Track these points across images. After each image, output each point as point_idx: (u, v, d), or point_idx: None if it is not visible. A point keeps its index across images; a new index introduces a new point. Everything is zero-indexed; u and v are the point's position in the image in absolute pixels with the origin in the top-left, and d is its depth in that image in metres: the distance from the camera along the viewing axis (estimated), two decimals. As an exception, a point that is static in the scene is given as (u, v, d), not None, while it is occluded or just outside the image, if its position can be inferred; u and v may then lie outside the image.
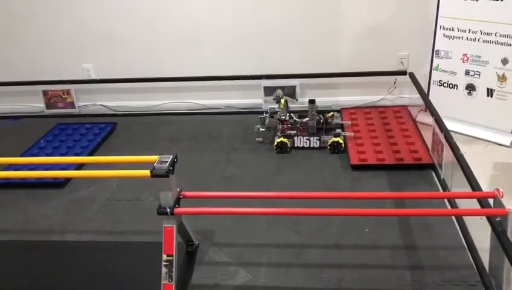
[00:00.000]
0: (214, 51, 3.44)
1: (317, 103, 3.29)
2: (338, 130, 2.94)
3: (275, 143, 2.90)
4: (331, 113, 3.08)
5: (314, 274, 1.96)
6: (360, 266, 1.99)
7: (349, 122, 3.12)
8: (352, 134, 2.97)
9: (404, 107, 3.33)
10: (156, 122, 3.48)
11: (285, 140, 2.90)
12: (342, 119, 3.15)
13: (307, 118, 2.97)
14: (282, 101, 3.03)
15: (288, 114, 3.03)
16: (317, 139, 2.92)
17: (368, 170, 2.68)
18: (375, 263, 2.00)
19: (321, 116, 2.98)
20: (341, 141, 2.84)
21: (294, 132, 2.96)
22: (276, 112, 3.03)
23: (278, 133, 2.97)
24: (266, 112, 3.04)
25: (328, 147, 2.87)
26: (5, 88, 3.71)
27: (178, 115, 3.59)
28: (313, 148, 2.93)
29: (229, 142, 3.11)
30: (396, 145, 2.84)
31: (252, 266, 2.03)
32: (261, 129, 3.02)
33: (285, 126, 3.00)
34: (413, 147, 2.79)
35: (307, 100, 3.45)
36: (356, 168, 2.69)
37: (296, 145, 2.95)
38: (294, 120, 3.01)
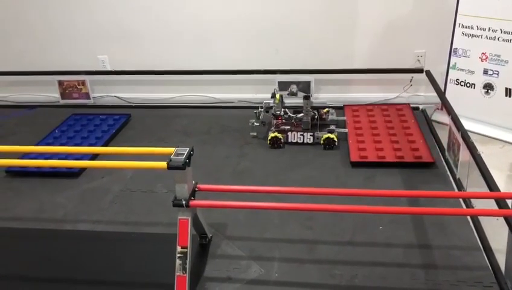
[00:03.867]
0: (228, 44, 3.43)
1: (331, 99, 3.31)
2: (332, 126, 2.93)
3: (269, 138, 2.90)
4: (327, 109, 3.08)
5: (327, 270, 1.96)
6: (373, 263, 1.98)
7: (344, 119, 3.12)
8: (347, 130, 2.96)
9: (407, 105, 3.30)
10: (170, 115, 3.49)
11: (279, 135, 2.90)
12: (344, 116, 3.15)
13: (302, 114, 2.96)
14: (277, 96, 3.03)
15: (283, 109, 3.02)
16: (310, 135, 2.92)
17: (369, 167, 2.67)
18: (388, 260, 1.99)
19: (315, 112, 2.98)
20: (334, 137, 2.83)
21: (288, 127, 2.96)
22: (271, 107, 3.02)
23: (272, 128, 2.97)
24: (261, 107, 3.04)
25: (322, 143, 2.86)
26: (21, 78, 3.75)
27: (191, 108, 3.59)
28: (307, 143, 2.93)
29: (242, 136, 3.11)
30: (397, 143, 2.83)
31: (264, 260, 2.03)
32: (255, 124, 3.02)
33: (280, 121, 3.00)
34: (414, 145, 2.78)
35: (322, 96, 3.47)
36: (356, 165, 2.68)
37: (289, 141, 2.95)
38: (289, 115, 3.01)
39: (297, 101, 3.27)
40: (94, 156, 2.82)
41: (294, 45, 3.36)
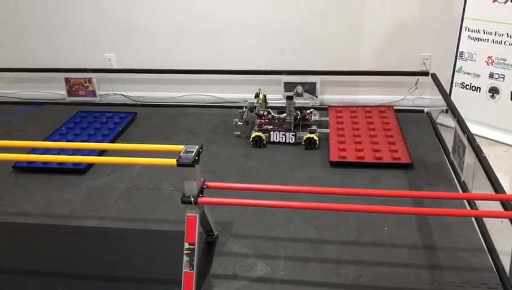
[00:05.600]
0: (235, 44, 3.45)
1: (337, 100, 3.31)
2: (314, 127, 2.97)
3: (251, 137, 2.94)
4: (310, 110, 3.11)
5: (333, 269, 1.97)
6: (378, 263, 2.00)
7: (327, 119, 3.15)
8: (328, 130, 3.00)
9: (390, 107, 3.33)
10: (176, 114, 3.50)
11: (261, 134, 2.94)
12: (327, 116, 3.20)
13: (285, 114, 2.99)
14: (261, 96, 3.06)
15: (266, 109, 3.06)
16: (292, 135, 2.96)
17: (348, 167, 2.70)
18: (394, 261, 2.01)
19: (298, 113, 3.02)
20: (315, 138, 2.87)
21: (271, 126, 3.00)
22: (255, 107, 3.05)
23: (255, 128, 3.01)
24: (246, 107, 3.07)
25: (303, 143, 2.90)
26: (28, 74, 3.76)
27: (197, 107, 3.61)
28: (289, 143, 2.97)
29: (248, 135, 3.12)
30: (377, 144, 2.86)
31: (270, 258, 2.05)
32: (239, 123, 3.05)
33: (263, 121, 3.04)
34: (394, 147, 2.81)
35: (327, 97, 3.49)
36: (335, 164, 2.72)
37: (272, 140, 2.99)
38: (272, 115, 3.04)
39: (302, 101, 3.31)
40: (101, 153, 2.84)
41: (301, 46, 3.37)
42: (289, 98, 2.97)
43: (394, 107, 3.39)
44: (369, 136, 2.95)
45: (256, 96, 3.07)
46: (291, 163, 2.79)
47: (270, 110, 3.07)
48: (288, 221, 2.27)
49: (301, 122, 3.01)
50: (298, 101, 3.33)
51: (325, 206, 1.98)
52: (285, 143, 2.98)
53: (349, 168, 2.70)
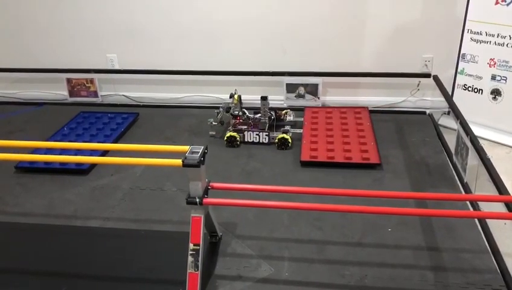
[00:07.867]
0: (237, 45, 3.45)
1: (339, 102, 3.31)
2: (287, 127, 3.00)
3: (225, 137, 2.97)
4: (285, 111, 3.14)
5: (337, 271, 1.97)
6: (383, 264, 2.00)
7: (301, 120, 3.17)
8: (301, 131, 3.02)
9: (365, 108, 3.34)
10: (177, 115, 3.50)
11: (235, 134, 2.97)
12: (303, 117, 3.22)
13: (259, 114, 3.02)
14: (236, 96, 3.07)
15: (241, 110, 3.08)
16: (266, 135, 2.98)
17: (319, 167, 2.73)
18: (398, 262, 2.01)
19: (272, 113, 3.04)
20: (287, 137, 2.90)
21: (245, 127, 3.02)
22: (230, 107, 3.07)
23: (230, 128, 3.04)
24: (222, 107, 3.09)
25: (276, 143, 2.93)
26: (30, 75, 3.76)
27: (199, 108, 3.61)
28: (262, 143, 3.00)
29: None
30: (348, 144, 2.89)
31: (274, 259, 2.05)
32: (213, 123, 3.07)
33: (238, 121, 3.06)
34: (364, 147, 2.84)
35: (328, 98, 3.49)
36: (306, 164, 2.75)
37: (246, 140, 3.02)
38: (247, 116, 3.06)
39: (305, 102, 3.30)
40: (104, 153, 2.83)
41: (303, 48, 3.38)
42: (263, 98, 2.99)
43: (395, 109, 3.41)
44: (341, 137, 2.98)
45: (231, 96, 3.09)
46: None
47: (245, 110, 3.09)
48: (292, 222, 2.27)
49: (276, 123, 3.04)
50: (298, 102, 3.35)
51: (329, 207, 1.99)
52: (259, 143, 3.01)
53: (321, 167, 2.72)
